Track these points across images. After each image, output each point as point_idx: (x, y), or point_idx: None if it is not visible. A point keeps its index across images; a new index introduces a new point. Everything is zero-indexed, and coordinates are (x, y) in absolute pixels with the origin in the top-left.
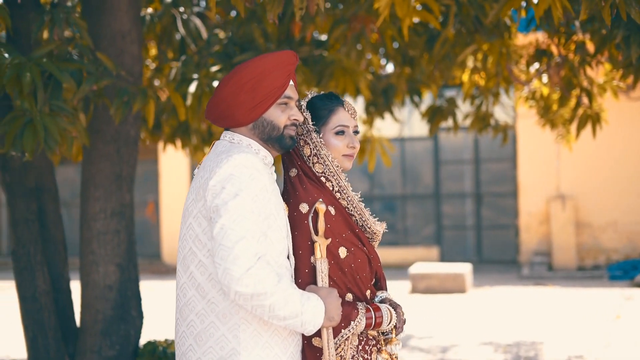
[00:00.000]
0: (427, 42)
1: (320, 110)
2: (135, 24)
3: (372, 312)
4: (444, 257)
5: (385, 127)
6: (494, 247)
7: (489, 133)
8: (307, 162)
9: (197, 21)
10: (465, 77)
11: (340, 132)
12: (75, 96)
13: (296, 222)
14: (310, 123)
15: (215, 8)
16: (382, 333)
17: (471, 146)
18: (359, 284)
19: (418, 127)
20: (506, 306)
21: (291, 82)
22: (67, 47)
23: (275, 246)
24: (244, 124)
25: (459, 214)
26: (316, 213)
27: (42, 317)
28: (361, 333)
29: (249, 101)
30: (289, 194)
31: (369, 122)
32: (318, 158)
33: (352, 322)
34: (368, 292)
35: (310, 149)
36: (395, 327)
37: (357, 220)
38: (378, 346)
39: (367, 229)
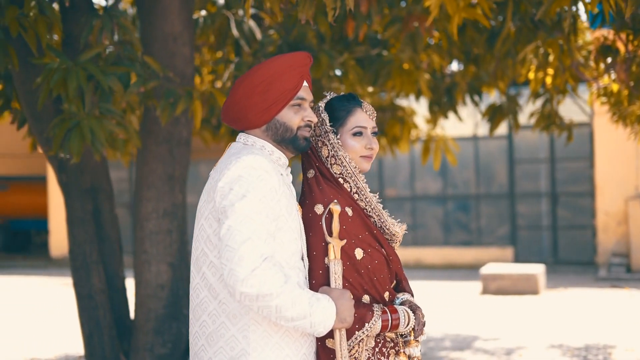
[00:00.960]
0: (488, 39)
1: (338, 111)
2: (186, 26)
3: (389, 314)
4: (518, 258)
5: (459, 126)
6: (570, 248)
7: (555, 131)
8: (325, 163)
9: (252, 23)
10: (531, 75)
11: (357, 133)
12: (123, 99)
13: (311, 223)
14: (328, 124)
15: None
16: (401, 335)
17: (547, 145)
18: (376, 285)
19: None
20: (579, 308)
21: (305, 84)
22: (116, 51)
23: (287, 247)
24: (258, 126)
25: (534, 213)
26: (330, 214)
27: (98, 315)
28: (378, 335)
29: (261, 103)
30: (306, 195)
31: (433, 121)
32: (336, 159)
33: (366, 324)
34: (387, 294)
35: (328, 150)
36: (413, 329)
37: (375, 221)
38: (396, 348)
39: (386, 230)
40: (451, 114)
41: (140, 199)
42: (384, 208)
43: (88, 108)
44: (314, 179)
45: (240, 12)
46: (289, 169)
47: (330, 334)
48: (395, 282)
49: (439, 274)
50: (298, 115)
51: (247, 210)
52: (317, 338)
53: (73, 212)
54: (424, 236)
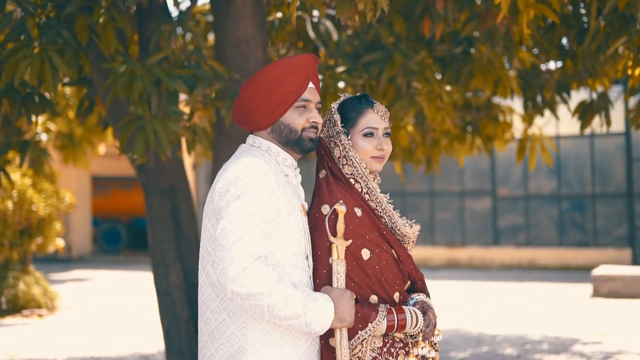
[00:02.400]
0: (578, 35)
1: (350, 112)
2: (259, 29)
3: (395, 315)
4: (637, 260)
5: (574, 123)
6: None
7: None
8: (338, 164)
9: (328, 24)
10: (629, 71)
11: (368, 134)
12: (189, 101)
13: (317, 223)
14: (340, 125)
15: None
16: (411, 336)
17: None
18: (384, 286)
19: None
20: None
21: (311, 85)
22: (183, 54)
23: (288, 247)
24: (263, 128)
25: None
26: (336, 214)
27: (176, 311)
28: (386, 335)
29: (266, 105)
30: (315, 196)
31: (528, 119)
32: (347, 160)
33: (369, 324)
34: (397, 295)
35: (340, 150)
36: (421, 330)
37: (386, 222)
38: (406, 349)
39: (397, 231)
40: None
41: None
42: (394, 209)
43: (154, 110)
44: (325, 179)
45: (315, 12)
46: (298, 170)
47: (333, 333)
48: (410, 283)
49: (553, 275)
50: (303, 117)
51: (241, 211)
52: (320, 336)
53: (152, 211)
54: (538, 236)
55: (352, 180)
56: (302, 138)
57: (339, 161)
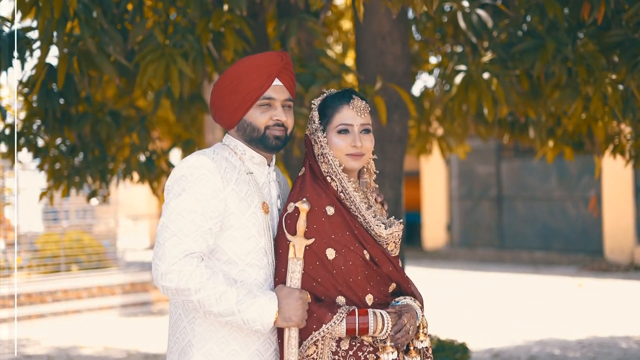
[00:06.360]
0: None
1: (326, 108)
2: (396, 24)
3: (356, 317)
4: None
5: None
6: None
7: None
8: (318, 161)
9: (482, 12)
10: None
11: (343, 131)
12: (306, 98)
13: (281, 221)
14: (317, 122)
15: None
16: (382, 340)
17: None
18: (352, 287)
19: None
20: None
21: (278, 83)
22: (303, 53)
23: (241, 244)
24: (231, 127)
25: None
26: (298, 212)
27: None
28: (354, 338)
29: (230, 104)
30: (290, 194)
31: None
32: (323, 157)
33: (323, 325)
34: (369, 297)
35: (318, 148)
36: (389, 335)
37: (361, 222)
38: (377, 354)
39: (371, 232)
40: None
41: None
42: (368, 208)
43: None
44: (302, 177)
45: (465, 3)
46: (271, 168)
47: None
48: (394, 285)
49: None
50: (265, 115)
51: (180, 207)
52: (278, 335)
53: None
54: None
55: (328, 179)
56: (265, 136)
57: (318, 159)
